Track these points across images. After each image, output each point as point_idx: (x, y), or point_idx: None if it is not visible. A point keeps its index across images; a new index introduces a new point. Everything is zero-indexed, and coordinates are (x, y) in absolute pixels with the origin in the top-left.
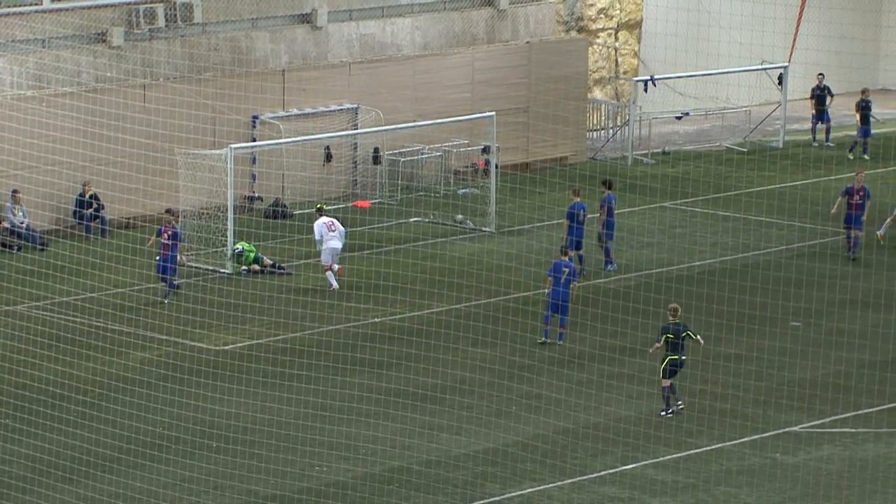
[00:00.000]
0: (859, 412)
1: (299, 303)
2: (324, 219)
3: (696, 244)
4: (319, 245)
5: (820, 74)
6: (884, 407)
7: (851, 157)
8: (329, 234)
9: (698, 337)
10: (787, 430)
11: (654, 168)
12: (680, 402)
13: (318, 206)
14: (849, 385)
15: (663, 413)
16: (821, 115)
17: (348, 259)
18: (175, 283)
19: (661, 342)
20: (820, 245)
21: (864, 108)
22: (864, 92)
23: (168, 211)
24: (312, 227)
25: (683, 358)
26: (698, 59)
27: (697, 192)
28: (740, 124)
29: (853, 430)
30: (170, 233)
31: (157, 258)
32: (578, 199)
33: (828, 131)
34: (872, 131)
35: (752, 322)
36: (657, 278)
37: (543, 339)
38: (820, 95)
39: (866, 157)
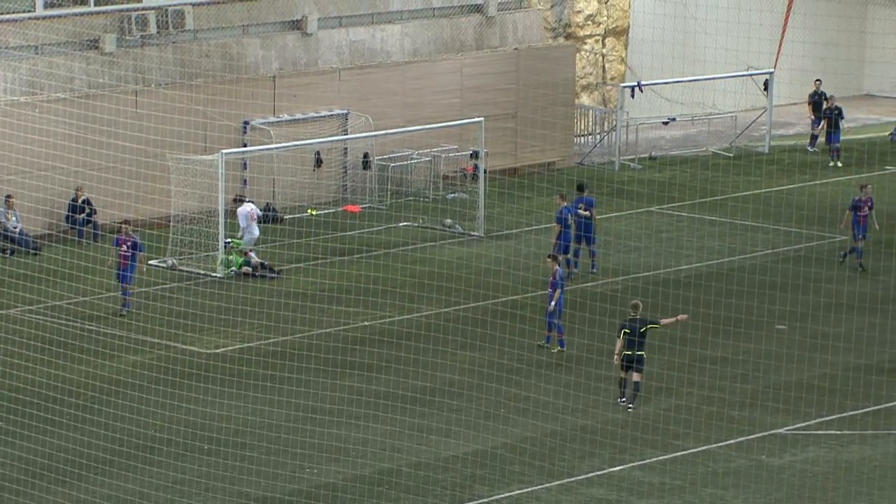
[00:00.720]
0: (844, 414)
1: (290, 306)
2: (247, 207)
3: (683, 248)
4: (245, 232)
5: (817, 80)
6: (868, 409)
7: (833, 165)
8: (251, 222)
9: (662, 321)
10: (772, 432)
11: (641, 173)
12: (625, 403)
13: (236, 196)
14: (834, 388)
15: (624, 403)
16: (819, 120)
17: (338, 263)
18: (130, 292)
19: (620, 338)
20: (805, 249)
21: (831, 116)
22: (832, 100)
23: (125, 222)
24: (239, 216)
25: (640, 353)
26: (685, 65)
27: (684, 197)
28: (726, 129)
29: (838, 433)
30: (129, 244)
31: (117, 270)
32: (566, 204)
33: (815, 137)
34: (842, 137)
35: (738, 325)
36: (644, 282)
37: (560, 348)
38: (818, 101)
39: (839, 163)
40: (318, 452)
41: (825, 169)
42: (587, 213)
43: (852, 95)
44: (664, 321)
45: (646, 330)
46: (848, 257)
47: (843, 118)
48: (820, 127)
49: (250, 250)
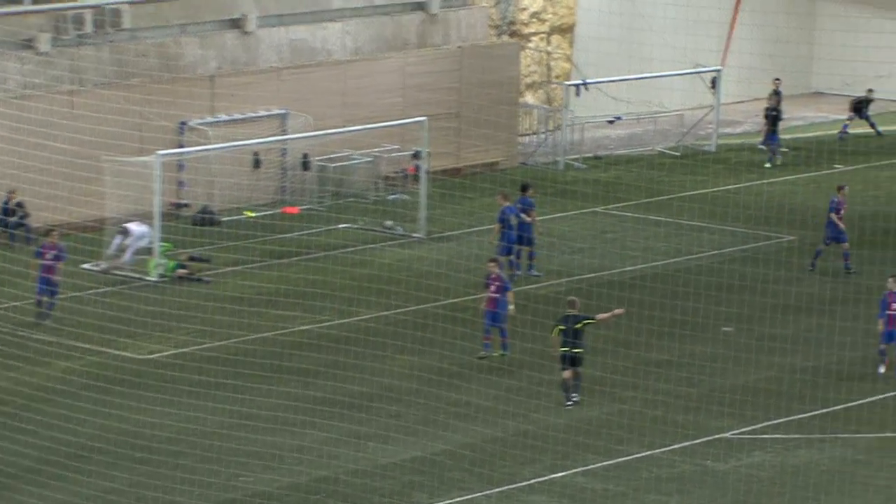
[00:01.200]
0: (791, 418)
1: (226, 311)
2: (134, 225)
3: (628, 249)
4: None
5: (776, 80)
6: (816, 412)
7: (779, 164)
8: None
9: (598, 317)
10: (718, 436)
11: (586, 173)
12: (574, 397)
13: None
14: (780, 391)
15: (569, 405)
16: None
17: (276, 266)
18: (53, 304)
19: (554, 334)
20: (752, 250)
21: (769, 116)
22: (771, 98)
23: (51, 229)
24: (142, 232)
25: (577, 351)
26: (631, 62)
27: (629, 197)
28: (673, 128)
29: (785, 437)
30: (52, 253)
31: (41, 275)
32: (508, 204)
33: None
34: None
35: (683, 327)
36: (588, 284)
37: (503, 352)
38: (778, 101)
39: (768, 165)
40: (253, 460)
41: (773, 168)
42: (529, 219)
43: (801, 93)
44: (599, 316)
45: (581, 326)
46: (846, 262)
47: (781, 119)
48: (762, 129)
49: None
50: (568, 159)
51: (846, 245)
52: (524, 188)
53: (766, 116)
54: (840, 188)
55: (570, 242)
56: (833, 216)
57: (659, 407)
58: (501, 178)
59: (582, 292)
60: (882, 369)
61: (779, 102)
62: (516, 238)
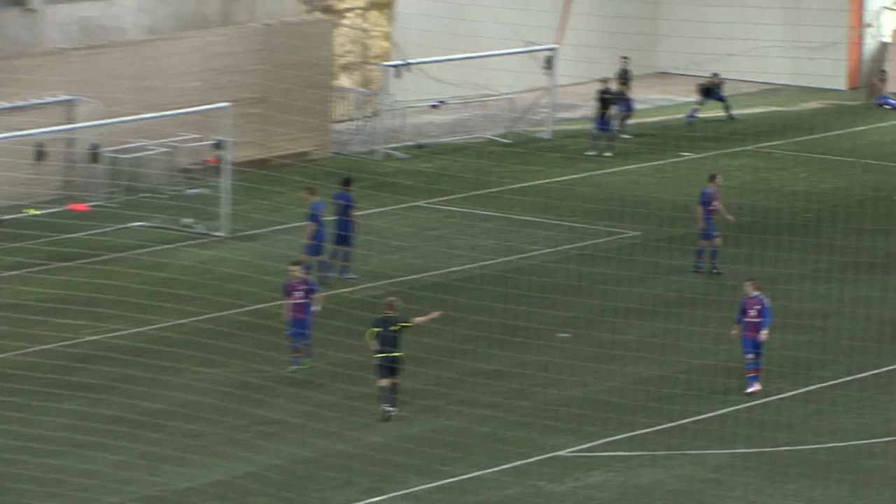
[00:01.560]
0: (634, 433)
1: (4, 320)
2: None
3: (454, 248)
4: None
5: (624, 58)
6: (661, 427)
7: (599, 154)
8: None
9: (415, 320)
10: (553, 454)
11: (408, 163)
12: (390, 409)
13: None
14: (623, 403)
15: (388, 411)
16: (626, 102)
17: (60, 270)
18: None
19: (369, 337)
20: (592, 247)
21: (605, 100)
22: (605, 81)
23: None
24: None
25: (396, 355)
26: (457, 41)
27: (455, 190)
28: (503, 113)
29: (627, 454)
30: None
31: None
32: (317, 199)
33: (625, 119)
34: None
35: (514, 334)
36: (409, 286)
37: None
38: (626, 81)
39: (609, 154)
40: (36, 486)
41: (614, 157)
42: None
43: (645, 73)
44: (416, 320)
45: (398, 328)
46: (697, 260)
47: (615, 104)
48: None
49: None
50: (387, 148)
51: (715, 242)
52: (346, 182)
53: (600, 99)
54: (713, 177)
55: (388, 240)
56: (701, 209)
57: (488, 422)
58: (313, 169)
59: (402, 295)
60: (751, 389)
61: (626, 83)
62: (334, 237)
